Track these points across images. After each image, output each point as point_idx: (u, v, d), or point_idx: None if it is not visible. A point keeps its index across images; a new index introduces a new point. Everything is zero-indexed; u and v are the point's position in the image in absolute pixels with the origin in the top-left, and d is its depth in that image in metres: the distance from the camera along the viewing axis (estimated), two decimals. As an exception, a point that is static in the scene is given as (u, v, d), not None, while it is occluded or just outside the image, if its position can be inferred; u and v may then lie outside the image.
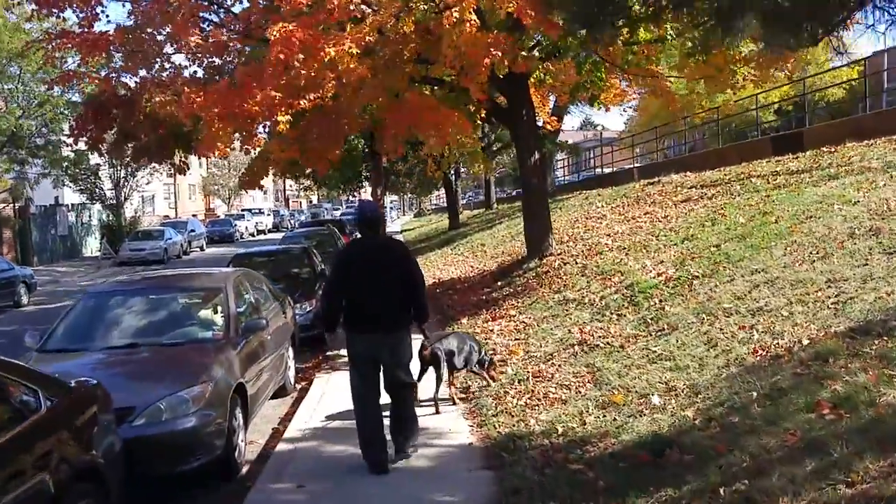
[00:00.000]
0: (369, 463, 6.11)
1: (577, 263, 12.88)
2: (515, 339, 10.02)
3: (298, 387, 10.19)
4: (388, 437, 6.30)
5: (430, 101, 13.09)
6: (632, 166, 29.47)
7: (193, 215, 58.17)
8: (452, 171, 36.41)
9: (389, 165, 32.66)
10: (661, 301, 8.89)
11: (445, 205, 69.52)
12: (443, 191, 73.74)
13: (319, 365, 11.11)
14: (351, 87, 11.80)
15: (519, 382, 7.85)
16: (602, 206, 19.44)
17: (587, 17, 6.46)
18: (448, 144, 13.17)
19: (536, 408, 6.98)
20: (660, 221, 13.85)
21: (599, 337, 8.57)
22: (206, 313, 8.12)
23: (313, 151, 13.40)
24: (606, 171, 36.10)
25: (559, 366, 8.15)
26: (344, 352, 11.05)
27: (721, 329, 7.03)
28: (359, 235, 7.20)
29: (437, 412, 7.62)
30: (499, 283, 14.47)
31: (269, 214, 65.74)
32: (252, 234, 55.86)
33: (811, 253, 8.09)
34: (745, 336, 6.63)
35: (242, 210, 65.24)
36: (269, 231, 60.46)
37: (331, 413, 8.08)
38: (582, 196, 24.46)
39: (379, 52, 11.90)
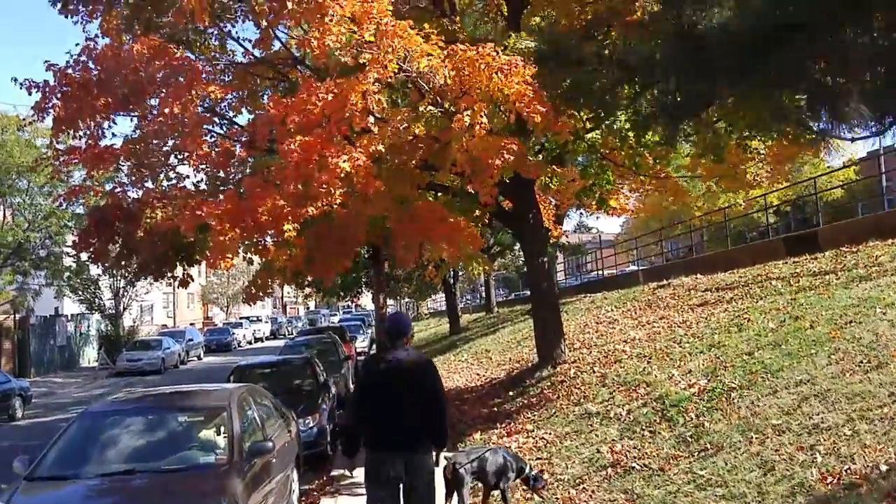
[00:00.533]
0: None
1: (594, 372, 12.28)
2: (537, 459, 9.34)
3: (303, 513, 9.48)
4: None
5: (439, 209, 12.75)
6: (636, 269, 29.12)
7: (191, 324, 57.57)
8: (451, 274, 36.06)
9: (389, 270, 32.31)
10: (697, 416, 8.28)
11: (443, 309, 69.38)
12: (440, 295, 73.85)
13: (324, 487, 10.36)
14: (361, 196, 11.51)
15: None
16: (611, 311, 18.94)
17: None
18: (459, 256, 12.76)
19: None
20: (678, 327, 13.32)
21: (634, 457, 7.92)
22: (208, 434, 7.49)
23: (322, 262, 12.99)
24: (607, 273, 35.74)
25: (592, 491, 7.50)
26: (350, 472, 10.39)
27: (775, 450, 6.41)
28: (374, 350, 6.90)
29: None
30: (510, 394, 13.81)
31: (266, 322, 65.10)
32: (250, 343, 55.14)
33: (862, 362, 7.53)
34: (807, 459, 6.01)
35: (240, 318, 64.58)
36: (267, 338, 59.72)
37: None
38: (587, 300, 24.00)
39: (387, 160, 11.67)
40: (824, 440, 6.19)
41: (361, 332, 35.86)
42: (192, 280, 13.22)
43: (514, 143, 9.65)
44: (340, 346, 20.67)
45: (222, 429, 7.36)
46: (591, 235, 51.63)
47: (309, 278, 21.12)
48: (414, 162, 11.62)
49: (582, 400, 11.11)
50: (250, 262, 13.00)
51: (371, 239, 15.04)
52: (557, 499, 7.40)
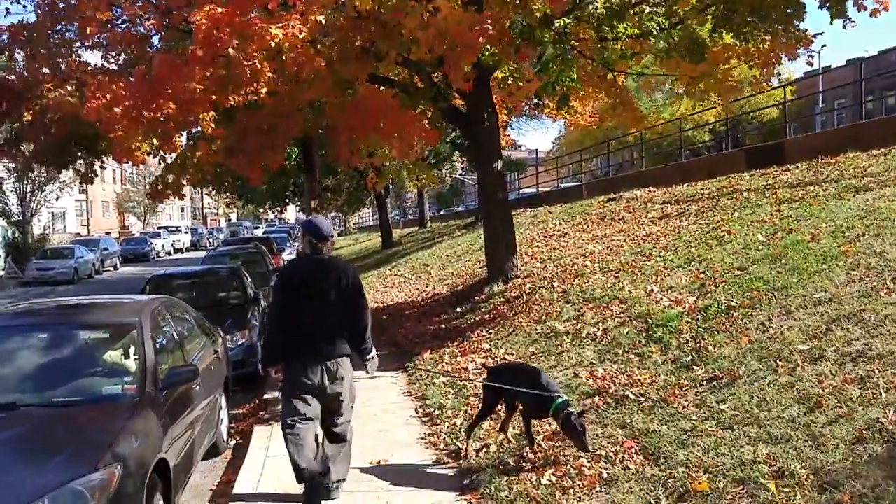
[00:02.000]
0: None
1: (553, 287, 11.15)
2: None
3: (233, 443, 8.15)
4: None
5: (388, 101, 11.18)
6: (579, 183, 28.06)
7: (107, 233, 54.82)
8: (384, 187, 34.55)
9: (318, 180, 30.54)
10: (694, 338, 7.18)
11: (372, 224, 67.83)
12: (367, 210, 72.05)
13: (257, 412, 9.03)
14: (295, 81, 9.91)
15: (530, 449, 5.98)
16: (559, 224, 17.86)
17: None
18: (410, 153, 11.24)
19: (574, 494, 5.12)
20: (643, 240, 12.25)
21: (623, 385, 6.79)
22: (114, 358, 6.02)
23: (247, 156, 11.36)
24: (543, 189, 34.59)
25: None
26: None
27: (818, 381, 5.29)
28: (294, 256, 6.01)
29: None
30: (458, 310, 12.62)
31: (186, 232, 62.37)
32: (169, 254, 52.87)
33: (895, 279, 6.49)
34: (865, 394, 4.90)
35: (159, 228, 61.80)
36: (187, 250, 57.34)
37: (279, 482, 6.10)
38: (529, 213, 22.86)
39: (323, 39, 10.05)
40: (879, 370, 5.11)
41: (288, 244, 34.14)
42: (96, 176, 11.48)
43: (493, 19, 8.17)
44: (268, 258, 19.10)
45: (132, 351, 5.91)
46: (525, 151, 50.30)
47: (233, 180, 19.35)
48: (358, 42, 10.03)
49: (544, 317, 9.96)
50: (162, 159, 11.28)
51: (306, 131, 13.44)
52: (539, 434, 6.23)
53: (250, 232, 63.40)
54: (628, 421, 5.98)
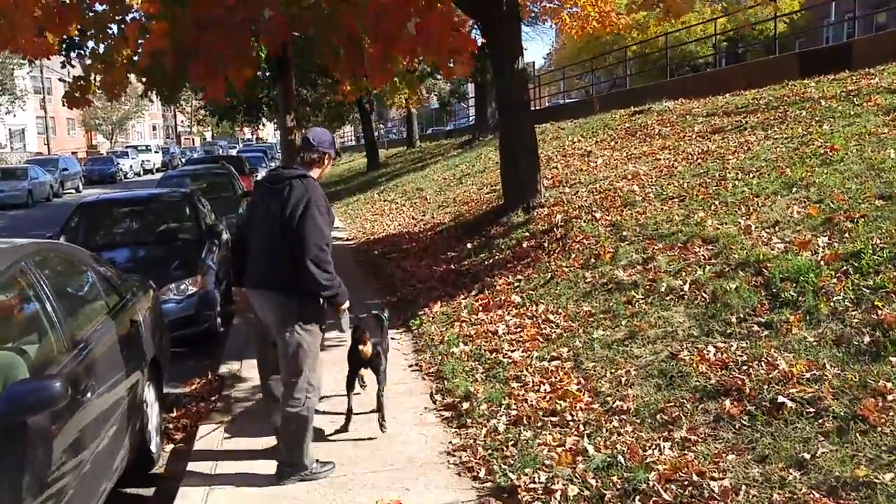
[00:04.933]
0: None
1: (596, 220, 8.70)
2: (551, 361, 5.75)
3: (169, 448, 5.72)
4: None
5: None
6: (591, 95, 25.32)
7: (73, 153, 51.44)
8: (367, 99, 31.52)
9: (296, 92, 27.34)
10: (857, 302, 4.75)
11: (353, 144, 64.26)
12: (348, 128, 68.38)
13: (208, 397, 6.50)
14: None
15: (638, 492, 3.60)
16: (577, 141, 15.27)
17: None
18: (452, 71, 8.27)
19: None
20: (700, 158, 9.76)
21: (763, 379, 4.36)
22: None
23: (206, 61, 8.50)
24: (543, 106, 31.77)
25: (700, 440, 3.99)
26: (247, 373, 6.68)
27: None
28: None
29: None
30: (469, 246, 10.17)
31: (157, 152, 58.79)
32: (138, 174, 49.67)
33: None
34: None
35: (127, 147, 58.23)
36: (158, 170, 54.05)
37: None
38: (538, 130, 20.16)
39: None
40: None
41: (264, 164, 31.31)
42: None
43: None
44: (237, 180, 16.38)
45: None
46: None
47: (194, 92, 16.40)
48: None
49: (593, 260, 7.50)
50: (79, 56, 8.53)
51: (285, 34, 10.65)
52: (625, 445, 3.86)
53: (226, 151, 60.05)
54: (807, 456, 3.58)
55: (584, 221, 8.81)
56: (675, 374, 4.83)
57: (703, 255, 6.45)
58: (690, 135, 11.69)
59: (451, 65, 7.44)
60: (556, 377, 5.40)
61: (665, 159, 10.58)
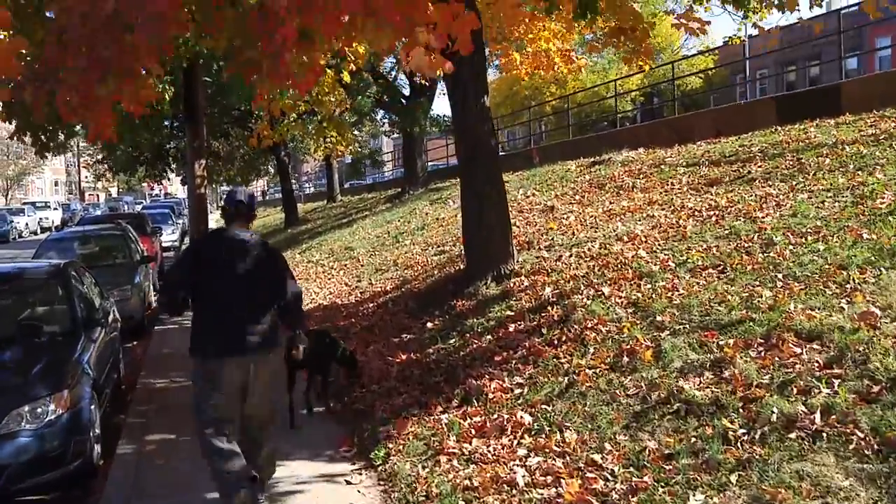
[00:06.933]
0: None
1: (603, 296, 6.71)
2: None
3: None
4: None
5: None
6: (529, 147, 23.65)
7: (-36, 209, 47.18)
8: (284, 151, 29.19)
9: (206, 141, 24.69)
10: None
11: (267, 198, 61.32)
12: (261, 182, 65.46)
13: None
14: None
15: None
16: (534, 195, 13.37)
17: None
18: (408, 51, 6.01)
19: None
20: (713, 215, 7.91)
21: None
22: None
23: (84, 81, 6.02)
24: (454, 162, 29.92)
25: None
26: None
27: None
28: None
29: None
30: (430, 326, 8.07)
31: (56, 209, 54.72)
32: (34, 233, 45.75)
33: None
34: None
35: (24, 203, 54.06)
36: (57, 229, 50.14)
37: None
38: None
39: None
40: None
41: (170, 221, 28.40)
42: None
43: None
44: (136, 243, 13.72)
45: None
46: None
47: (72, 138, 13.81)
48: None
49: (626, 359, 5.44)
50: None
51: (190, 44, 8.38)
52: None
53: (132, 208, 56.37)
54: None
55: (589, 298, 6.78)
56: None
57: (811, 360, 4.45)
58: (679, 187, 9.90)
59: (427, 47, 4.69)
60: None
61: (662, 216, 8.70)
